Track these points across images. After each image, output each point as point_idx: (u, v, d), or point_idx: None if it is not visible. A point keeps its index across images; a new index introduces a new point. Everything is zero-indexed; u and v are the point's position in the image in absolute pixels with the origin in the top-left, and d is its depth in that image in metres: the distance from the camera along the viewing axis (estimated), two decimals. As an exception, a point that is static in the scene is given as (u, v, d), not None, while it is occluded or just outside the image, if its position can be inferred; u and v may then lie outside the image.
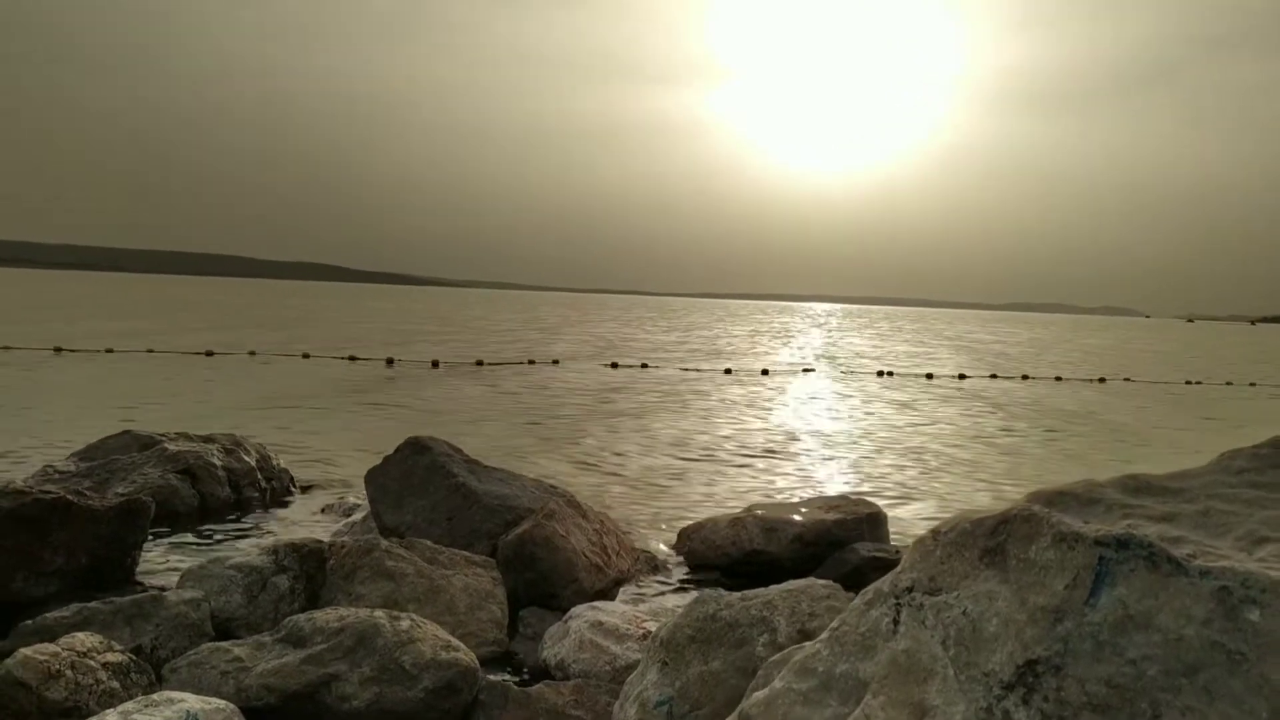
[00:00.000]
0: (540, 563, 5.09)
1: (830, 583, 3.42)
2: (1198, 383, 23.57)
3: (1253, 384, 23.86)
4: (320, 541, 5.07)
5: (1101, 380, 23.41)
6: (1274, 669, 1.58)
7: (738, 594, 3.39)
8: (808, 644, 2.07)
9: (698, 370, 21.80)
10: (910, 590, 1.92)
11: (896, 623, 1.91)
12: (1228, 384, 23.69)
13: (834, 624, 2.01)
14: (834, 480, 9.17)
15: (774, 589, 3.39)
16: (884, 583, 1.99)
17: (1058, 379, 23.30)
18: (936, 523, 2.09)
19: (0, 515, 4.73)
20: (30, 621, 4.07)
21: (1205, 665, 1.63)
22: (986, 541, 1.88)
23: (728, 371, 21.79)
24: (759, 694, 2.11)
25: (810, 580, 3.44)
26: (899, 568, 2.00)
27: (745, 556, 5.93)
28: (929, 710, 1.76)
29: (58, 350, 19.41)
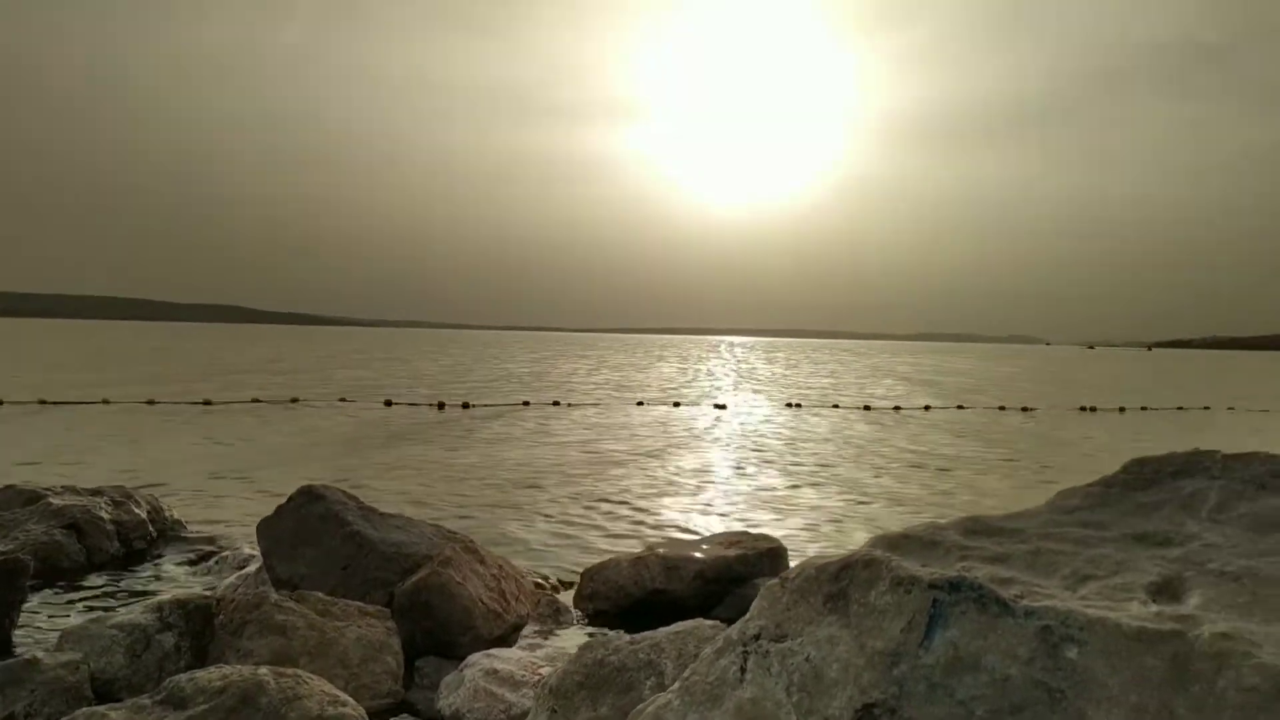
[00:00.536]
0: (436, 611, 5.03)
1: (717, 623, 3.45)
2: (1092, 409, 24.35)
3: (1144, 408, 24.76)
4: (207, 596, 4.94)
5: (1001, 408, 24.06)
6: (1090, 706, 1.64)
7: (627, 638, 3.41)
8: (660, 695, 2.09)
9: (607, 404, 21.82)
10: (758, 638, 1.95)
11: (744, 670, 1.94)
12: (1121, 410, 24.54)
13: (685, 673, 2.04)
14: (738, 515, 9.23)
15: (661, 631, 3.41)
16: (733, 630, 2.02)
17: (959, 407, 23.88)
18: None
19: None
20: (-109, 692, 3.88)
21: (1029, 704, 1.69)
22: (830, 587, 1.93)
23: (639, 404, 21.86)
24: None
25: (698, 621, 3.47)
26: (748, 615, 2.03)
27: (648, 596, 5.93)
28: (773, 758, 1.79)
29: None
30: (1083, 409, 24.18)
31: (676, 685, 2.03)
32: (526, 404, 21.40)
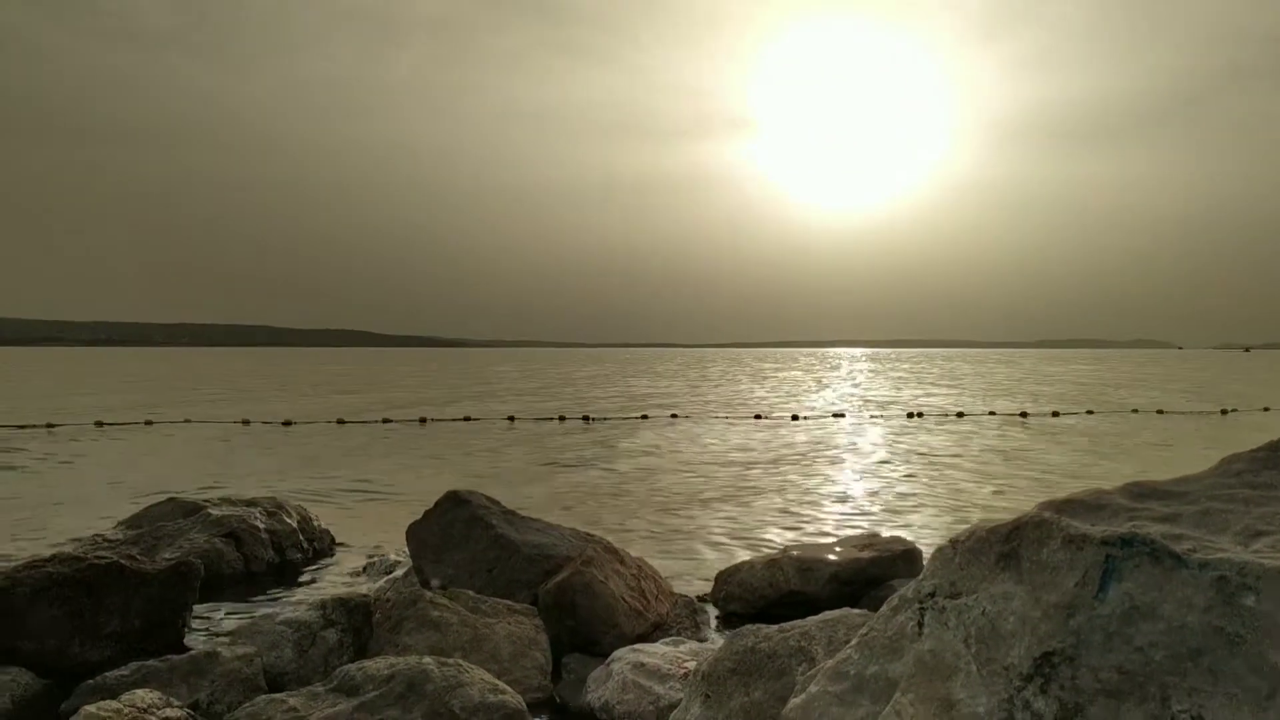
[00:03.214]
0: (580, 609, 5.18)
1: (865, 612, 3.51)
2: (1234, 410, 23.38)
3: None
4: (365, 595, 5.20)
5: (1135, 411, 23.28)
6: (1271, 649, 1.68)
7: (775, 626, 3.49)
8: (841, 651, 2.18)
9: (727, 419, 21.88)
10: (932, 595, 2.03)
11: (921, 625, 2.02)
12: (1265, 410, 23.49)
13: (863, 630, 2.12)
14: (868, 519, 9.21)
15: (810, 620, 3.49)
16: (908, 589, 2.10)
17: (1089, 412, 23.20)
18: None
19: (58, 580, 4.90)
20: (91, 680, 4.21)
21: (1208, 649, 1.74)
22: (1001, 547, 2.00)
23: (758, 417, 21.85)
24: (796, 700, 2.22)
25: (846, 610, 3.53)
26: (921, 575, 2.11)
27: (782, 598, 5.98)
28: (955, 703, 1.87)
29: (99, 424, 19.78)
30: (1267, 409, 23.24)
31: (855, 640, 2.13)
32: (644, 417, 21.61)
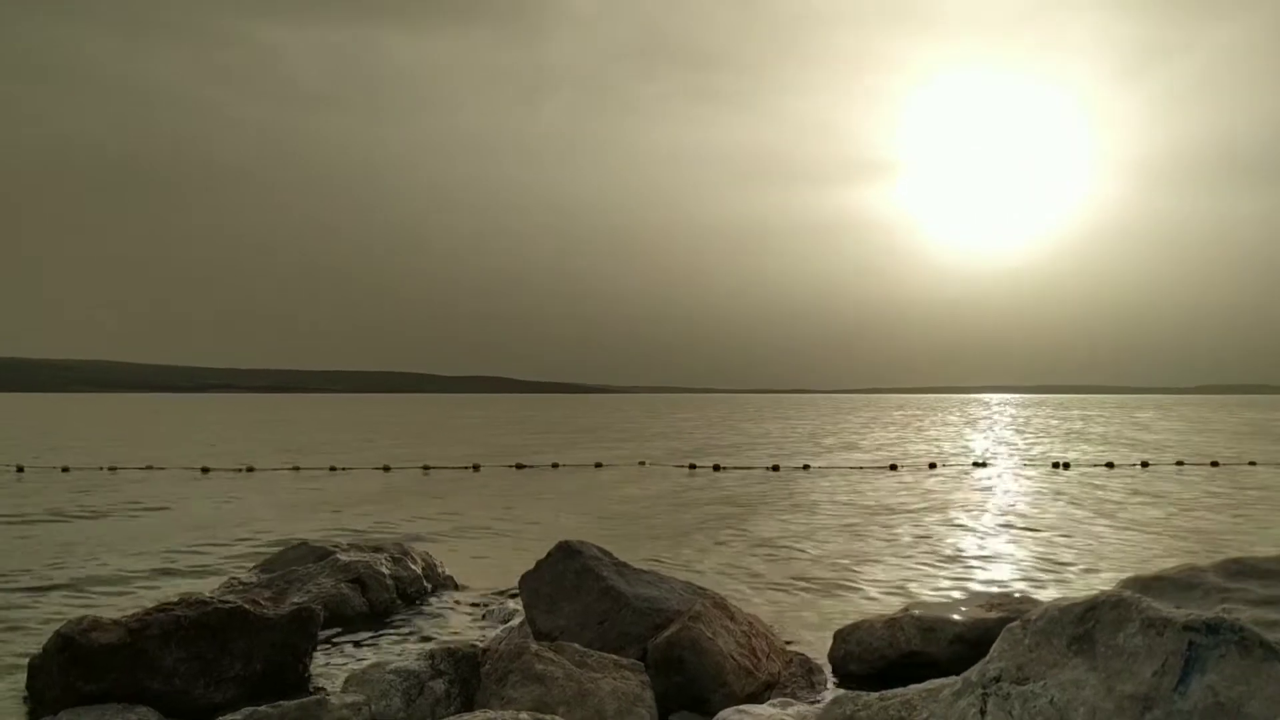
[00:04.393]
0: (688, 666, 5.09)
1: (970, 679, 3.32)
2: None
3: None
4: (474, 646, 5.23)
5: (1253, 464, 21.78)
6: (1373, 757, 1.48)
7: (876, 694, 3.34)
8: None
9: (860, 468, 21.41)
10: (998, 680, 1.89)
11: (983, 712, 1.88)
12: None
13: (924, 715, 1.99)
14: (998, 577, 8.82)
15: (913, 688, 3.32)
16: (972, 672, 1.97)
17: (1250, 463, 21.78)
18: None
19: (186, 624, 5.09)
20: (208, 723, 4.34)
21: (1302, 754, 1.54)
22: (1074, 629, 1.84)
23: (893, 468, 21.31)
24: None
25: (950, 678, 3.35)
26: (988, 657, 1.97)
27: (902, 658, 5.76)
28: (1019, 803, 1.72)
29: (249, 469, 20.73)
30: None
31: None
32: (776, 469, 21.33)
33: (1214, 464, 21.60)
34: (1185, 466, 21.23)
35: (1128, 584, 1.96)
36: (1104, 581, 8.59)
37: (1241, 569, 1.92)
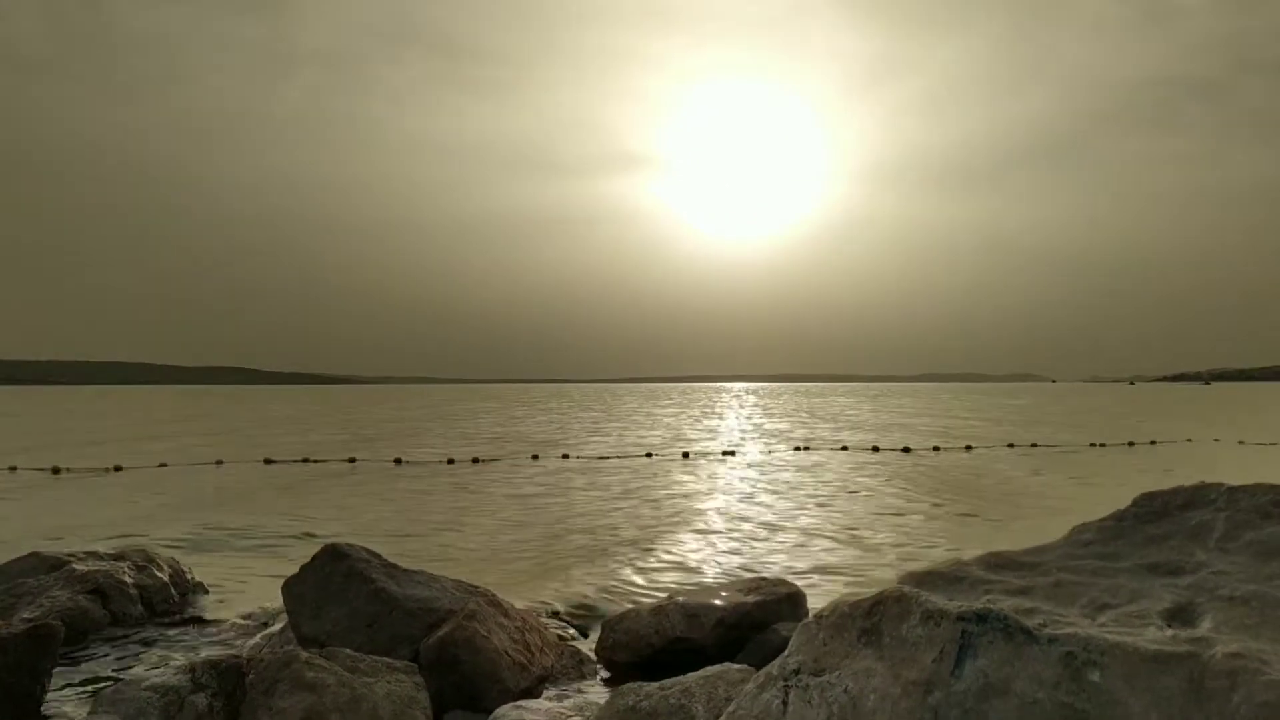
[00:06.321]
0: (463, 664, 5.09)
1: (744, 667, 3.53)
2: (1102, 445, 24.39)
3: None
4: (238, 656, 5.01)
5: (1010, 445, 24.11)
6: (1113, 725, 1.74)
7: (656, 684, 3.48)
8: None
9: (618, 456, 21.88)
10: (797, 672, 2.05)
11: (786, 704, 2.04)
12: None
13: (730, 708, 2.13)
14: (753, 560, 9.28)
15: (690, 676, 3.49)
16: (773, 666, 2.12)
17: (967, 448, 23.92)
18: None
19: (-99, 650, 4.61)
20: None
21: (1056, 726, 1.78)
22: (864, 622, 2.03)
23: (648, 455, 21.90)
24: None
25: (726, 666, 3.55)
26: (786, 651, 2.13)
27: (669, 645, 5.98)
28: (819, 784, 1.88)
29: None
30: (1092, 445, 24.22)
31: (723, 717, 2.13)
32: (535, 458, 21.47)
33: (935, 449, 23.58)
34: (911, 452, 23.03)
35: (905, 579, 2.16)
36: (843, 555, 9.23)
37: (1000, 562, 2.18)
